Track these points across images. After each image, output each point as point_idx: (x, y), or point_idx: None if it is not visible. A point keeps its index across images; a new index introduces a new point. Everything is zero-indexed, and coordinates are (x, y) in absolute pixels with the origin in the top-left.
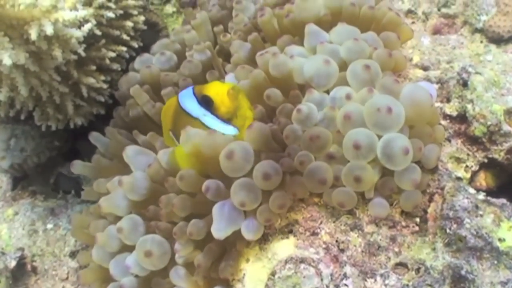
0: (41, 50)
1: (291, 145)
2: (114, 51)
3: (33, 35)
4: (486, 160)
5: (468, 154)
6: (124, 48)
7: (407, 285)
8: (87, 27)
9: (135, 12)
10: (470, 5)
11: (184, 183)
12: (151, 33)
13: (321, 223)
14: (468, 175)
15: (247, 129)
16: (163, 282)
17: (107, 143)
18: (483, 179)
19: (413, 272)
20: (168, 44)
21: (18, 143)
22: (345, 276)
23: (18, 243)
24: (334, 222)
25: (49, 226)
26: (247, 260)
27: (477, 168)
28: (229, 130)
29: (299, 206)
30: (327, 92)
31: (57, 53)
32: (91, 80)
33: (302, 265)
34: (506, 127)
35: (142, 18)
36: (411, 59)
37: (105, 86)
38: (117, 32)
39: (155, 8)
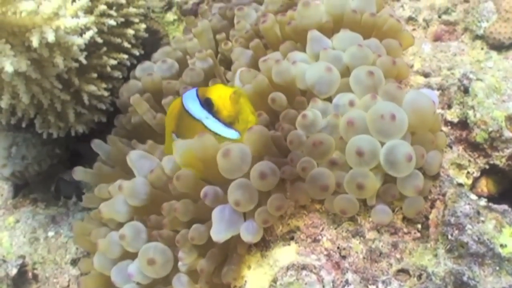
0: (43, 58)
1: (294, 151)
2: (115, 59)
3: (35, 42)
4: (487, 167)
5: (469, 161)
6: (125, 56)
7: None
8: (88, 34)
9: (136, 20)
10: (471, 12)
11: (180, 183)
12: (152, 41)
13: (322, 229)
14: (470, 182)
15: (247, 131)
16: None
17: (108, 151)
18: (484, 186)
19: (415, 279)
20: (170, 52)
21: (19, 151)
22: (346, 282)
23: (19, 250)
24: (335, 228)
25: (50, 233)
26: (249, 267)
27: (478, 174)
28: (230, 134)
29: (301, 213)
30: (330, 98)
31: (59, 60)
32: (92, 88)
33: (304, 272)
34: (507, 133)
35: (143, 26)
36: (412, 66)
37: (106, 93)
38: (118, 40)
39: (156, 16)
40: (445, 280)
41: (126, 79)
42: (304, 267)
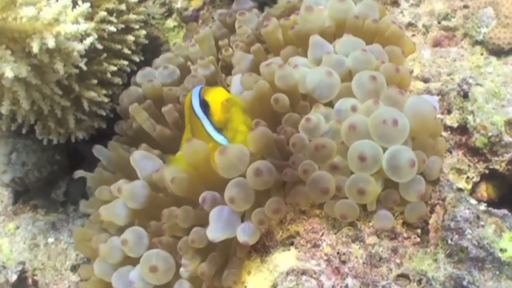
0: (43, 63)
1: (296, 154)
2: (115, 65)
3: (35, 48)
4: (487, 171)
5: (469, 165)
6: (126, 62)
7: None
8: (88, 40)
9: (137, 26)
10: (470, 17)
11: (175, 186)
12: (152, 47)
13: (322, 234)
14: (469, 186)
15: (250, 132)
16: None
17: (110, 157)
18: (484, 190)
19: (415, 284)
20: (172, 58)
21: (19, 157)
22: None
23: (19, 257)
24: (335, 233)
25: (50, 240)
26: (249, 273)
27: (478, 179)
28: (220, 139)
29: (300, 218)
30: (330, 103)
31: (59, 66)
32: (92, 94)
33: (304, 277)
34: (507, 138)
35: (143, 32)
36: (411, 71)
37: (106, 100)
38: (118, 46)
39: (156, 22)
40: (445, 284)
41: (126, 85)
42: (304, 272)
